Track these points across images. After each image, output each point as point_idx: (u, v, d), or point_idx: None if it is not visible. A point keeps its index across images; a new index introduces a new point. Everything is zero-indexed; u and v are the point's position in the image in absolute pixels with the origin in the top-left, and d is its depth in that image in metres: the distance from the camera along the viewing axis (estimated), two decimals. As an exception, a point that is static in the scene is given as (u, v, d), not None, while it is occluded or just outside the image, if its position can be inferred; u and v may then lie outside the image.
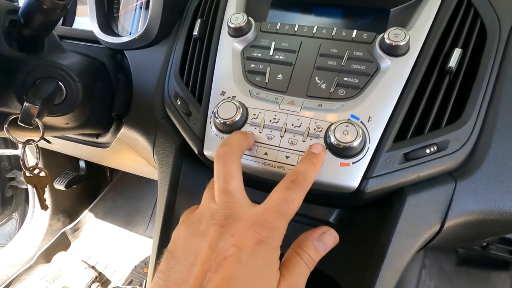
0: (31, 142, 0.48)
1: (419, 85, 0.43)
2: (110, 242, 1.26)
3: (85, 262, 1.18)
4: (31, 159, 1.15)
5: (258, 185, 0.44)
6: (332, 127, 0.39)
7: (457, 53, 0.43)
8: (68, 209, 1.28)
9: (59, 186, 1.09)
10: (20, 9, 0.42)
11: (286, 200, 0.33)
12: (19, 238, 1.19)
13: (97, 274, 1.14)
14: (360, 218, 0.49)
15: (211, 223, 0.32)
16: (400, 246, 0.40)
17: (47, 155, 1.14)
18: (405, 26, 0.46)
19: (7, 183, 1.32)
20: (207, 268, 0.30)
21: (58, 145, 0.83)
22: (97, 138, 0.69)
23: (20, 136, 0.47)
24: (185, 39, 0.55)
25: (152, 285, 0.32)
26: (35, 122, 0.41)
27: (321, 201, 0.48)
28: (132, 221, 1.31)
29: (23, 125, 0.41)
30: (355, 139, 0.38)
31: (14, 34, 0.46)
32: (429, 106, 0.42)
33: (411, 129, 0.41)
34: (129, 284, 1.15)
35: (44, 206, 0.50)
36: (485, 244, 0.72)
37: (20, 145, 0.46)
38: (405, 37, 0.42)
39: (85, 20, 0.67)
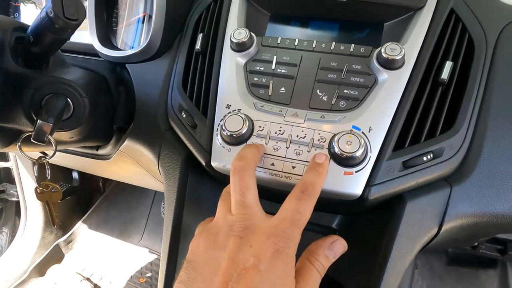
0: (42, 158, 0.48)
1: (415, 96, 0.45)
2: (105, 253, 1.25)
3: (80, 274, 1.16)
4: (23, 171, 1.14)
5: (266, 195, 0.46)
6: (336, 138, 0.42)
7: (448, 65, 0.45)
8: (61, 221, 1.26)
9: (53, 198, 1.08)
10: (30, 27, 0.43)
11: (299, 210, 0.34)
12: (11, 252, 1.17)
13: (93, 286, 1.13)
14: (361, 224, 0.51)
15: (230, 235, 0.34)
16: (402, 249, 0.43)
17: (43, 169, 1.12)
18: (398, 40, 0.49)
19: (-4, 196, 1.30)
20: (228, 278, 0.31)
21: (54, 157, 0.82)
22: (97, 150, 0.69)
23: (29, 152, 0.47)
24: (187, 53, 0.57)
25: (173, 295, 0.33)
26: (47, 139, 0.42)
27: (326, 209, 0.50)
28: (127, 231, 1.30)
29: (35, 142, 0.41)
30: (358, 149, 0.41)
31: (19, 51, 0.47)
32: (424, 116, 0.45)
33: (409, 138, 0.44)
34: (125, 295, 1.14)
35: (55, 222, 0.50)
36: (475, 244, 0.75)
37: (29, 161, 0.46)
38: (400, 51, 0.44)
39: (82, 33, 0.68)
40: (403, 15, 0.51)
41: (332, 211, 0.52)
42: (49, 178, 0.51)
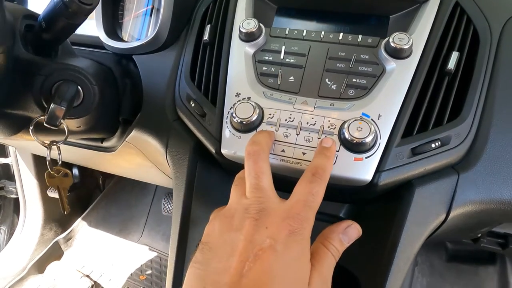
0: (54, 143, 0.48)
1: (422, 85, 0.46)
2: (104, 251, 1.24)
3: (79, 271, 1.16)
4: (23, 167, 1.13)
5: (276, 183, 0.46)
6: (346, 125, 0.42)
7: (454, 56, 0.46)
8: (61, 218, 1.25)
9: (53, 194, 1.08)
10: (42, 13, 0.43)
11: (311, 193, 0.35)
12: (10, 249, 1.16)
13: (93, 283, 1.12)
14: (368, 212, 0.51)
15: (245, 217, 0.34)
16: (411, 234, 0.43)
17: (39, 162, 1.12)
18: (404, 31, 0.49)
19: (-5, 193, 1.28)
20: (245, 258, 0.31)
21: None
22: (102, 143, 0.69)
23: (40, 139, 0.47)
24: (195, 44, 0.57)
25: (190, 274, 0.33)
26: (60, 123, 0.42)
27: (335, 197, 0.50)
28: (127, 229, 1.30)
29: (48, 126, 0.41)
30: (368, 135, 0.41)
31: (29, 38, 0.47)
32: (432, 105, 0.46)
33: (417, 125, 0.45)
34: (125, 292, 1.14)
35: (65, 208, 0.50)
36: (477, 236, 0.76)
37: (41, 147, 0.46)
38: (408, 41, 0.45)
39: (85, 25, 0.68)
40: (409, 7, 0.51)
41: (341, 200, 0.53)
42: (60, 163, 0.51)
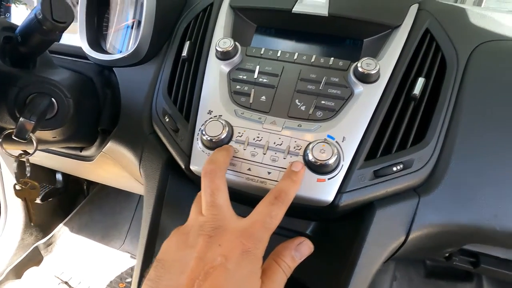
0: (23, 156, 0.48)
1: (388, 110, 0.47)
2: (85, 257, 1.23)
3: (58, 277, 1.15)
4: (5, 170, 1.13)
5: (241, 199, 0.47)
6: (310, 146, 0.43)
7: (421, 82, 0.48)
8: (42, 223, 1.24)
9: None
10: (18, 28, 0.44)
11: (270, 215, 0.36)
12: (-12, 253, 1.15)
13: (71, 290, 1.11)
14: (334, 230, 0.52)
15: (200, 234, 0.35)
16: (370, 255, 0.44)
17: (22, 167, 1.12)
18: (376, 55, 0.51)
19: (-24, 196, 1.27)
20: (196, 276, 0.32)
21: (38, 157, 0.82)
22: (81, 151, 0.70)
23: (10, 150, 0.48)
24: (174, 60, 0.58)
25: (142, 292, 0.34)
26: (29, 136, 0.43)
27: (299, 215, 0.52)
28: (109, 236, 1.29)
29: (17, 139, 0.42)
30: (330, 157, 0.42)
31: (7, 50, 0.48)
32: (396, 129, 0.47)
33: (381, 149, 0.46)
34: (104, 299, 1.13)
35: (32, 220, 0.50)
36: (448, 255, 0.77)
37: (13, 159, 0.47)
38: (375, 66, 0.47)
39: (70, 35, 0.69)
40: (381, 32, 0.53)
41: (305, 217, 0.54)
42: (28, 175, 0.51)
